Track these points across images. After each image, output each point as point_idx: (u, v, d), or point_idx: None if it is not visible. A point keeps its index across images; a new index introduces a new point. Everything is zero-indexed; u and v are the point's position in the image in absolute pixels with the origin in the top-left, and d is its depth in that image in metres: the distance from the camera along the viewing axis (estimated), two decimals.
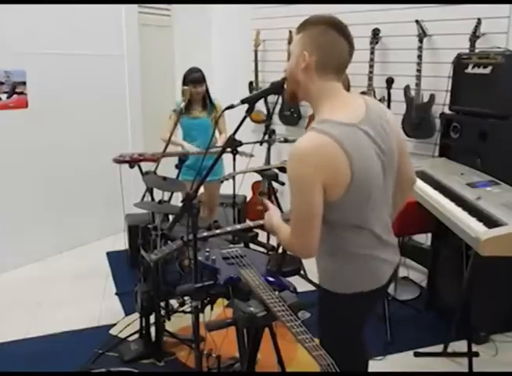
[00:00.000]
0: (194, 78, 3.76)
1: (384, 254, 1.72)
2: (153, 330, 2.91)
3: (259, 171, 4.07)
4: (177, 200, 4.36)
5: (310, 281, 3.80)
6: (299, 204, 1.56)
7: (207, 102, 3.89)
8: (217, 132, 3.92)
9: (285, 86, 1.75)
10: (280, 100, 4.83)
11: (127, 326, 3.19)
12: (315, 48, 1.57)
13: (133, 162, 3.59)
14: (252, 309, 1.68)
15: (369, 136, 1.59)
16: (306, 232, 1.57)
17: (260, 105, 4.95)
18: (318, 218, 1.55)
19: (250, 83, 5.13)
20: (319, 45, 1.56)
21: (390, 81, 4.08)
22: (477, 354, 2.88)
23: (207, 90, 3.87)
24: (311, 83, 1.61)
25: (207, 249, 2.20)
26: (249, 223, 3.02)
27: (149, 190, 3.31)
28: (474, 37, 3.44)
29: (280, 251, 3.47)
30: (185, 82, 3.79)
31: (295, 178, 1.54)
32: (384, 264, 1.73)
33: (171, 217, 3.48)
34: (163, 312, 2.96)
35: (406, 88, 3.89)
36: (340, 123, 1.55)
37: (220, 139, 3.89)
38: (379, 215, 1.69)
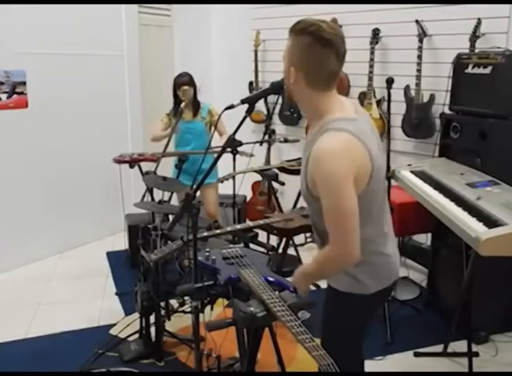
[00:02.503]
0: (182, 80, 3.77)
1: (390, 249, 1.77)
2: (153, 330, 2.91)
3: (259, 171, 4.08)
4: (177, 200, 4.36)
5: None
6: (338, 203, 1.53)
7: (196, 106, 3.87)
8: (216, 134, 3.91)
9: (285, 86, 1.76)
10: (280, 100, 4.83)
11: (127, 326, 3.19)
12: (302, 63, 1.58)
13: (133, 162, 3.60)
14: (252, 309, 1.68)
15: (369, 128, 1.68)
16: (350, 231, 1.54)
17: (260, 105, 4.95)
18: (357, 214, 1.54)
19: (250, 83, 5.13)
20: (306, 60, 1.57)
21: (390, 81, 4.06)
22: (477, 354, 2.88)
23: (195, 95, 3.84)
24: (304, 94, 1.63)
25: (207, 249, 2.20)
26: (249, 223, 3.03)
27: (149, 190, 3.31)
28: (474, 37, 3.44)
29: (280, 251, 3.48)
30: (174, 87, 3.80)
31: (331, 177, 1.52)
32: (391, 258, 1.78)
33: (171, 217, 3.48)
34: (163, 312, 2.96)
35: (406, 88, 3.89)
36: (347, 119, 1.60)
37: (221, 141, 3.88)
38: (386, 210, 1.76)
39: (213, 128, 3.84)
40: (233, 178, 3.60)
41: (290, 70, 1.60)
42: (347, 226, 1.53)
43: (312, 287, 3.44)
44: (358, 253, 1.56)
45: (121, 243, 4.22)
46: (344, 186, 1.52)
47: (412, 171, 3.06)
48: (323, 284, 1.93)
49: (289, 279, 1.66)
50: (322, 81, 1.60)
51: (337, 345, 1.69)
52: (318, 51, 1.55)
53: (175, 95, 3.81)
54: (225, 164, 3.35)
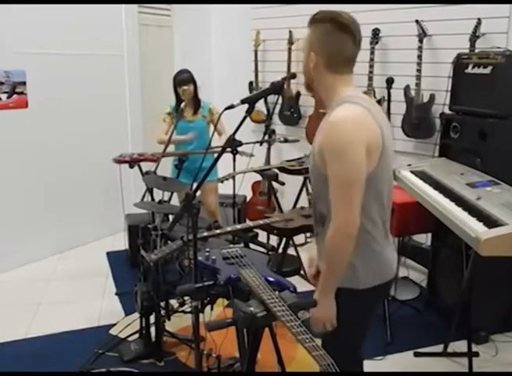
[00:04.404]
0: (181, 79, 3.76)
1: (389, 246, 1.78)
2: (153, 330, 2.91)
3: (259, 171, 4.08)
4: (177, 200, 4.36)
5: (310, 281, 3.80)
6: (346, 169, 1.55)
7: (197, 104, 3.86)
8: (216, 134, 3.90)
9: (285, 85, 1.78)
10: (280, 100, 4.84)
11: (127, 326, 3.19)
12: (321, 48, 1.66)
13: (133, 162, 3.60)
14: (252, 309, 1.68)
15: (384, 116, 1.72)
16: (354, 199, 1.56)
17: (260, 105, 4.95)
18: (361, 186, 1.57)
19: (250, 83, 5.14)
20: (325, 45, 1.66)
21: (390, 81, 4.08)
22: (477, 354, 2.88)
23: (195, 92, 3.83)
24: (323, 78, 1.70)
25: (207, 249, 2.20)
26: (249, 223, 3.03)
27: (149, 190, 3.31)
28: (474, 37, 3.44)
29: (280, 251, 3.48)
30: (174, 84, 3.79)
31: (343, 145, 1.55)
32: (388, 254, 1.78)
33: (171, 217, 3.48)
34: (163, 312, 2.96)
35: (406, 88, 3.89)
36: (362, 98, 1.68)
37: (220, 141, 3.87)
38: (389, 207, 1.75)
39: (213, 129, 3.83)
40: (233, 178, 3.59)
41: (310, 54, 1.67)
42: (351, 194, 1.55)
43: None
44: (358, 220, 1.57)
45: (121, 243, 4.22)
46: (354, 151, 1.54)
47: (412, 171, 3.06)
48: None
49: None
50: (341, 64, 1.68)
51: (336, 345, 1.69)
52: (337, 36, 1.64)
53: (176, 93, 3.80)
54: (225, 164, 3.35)
